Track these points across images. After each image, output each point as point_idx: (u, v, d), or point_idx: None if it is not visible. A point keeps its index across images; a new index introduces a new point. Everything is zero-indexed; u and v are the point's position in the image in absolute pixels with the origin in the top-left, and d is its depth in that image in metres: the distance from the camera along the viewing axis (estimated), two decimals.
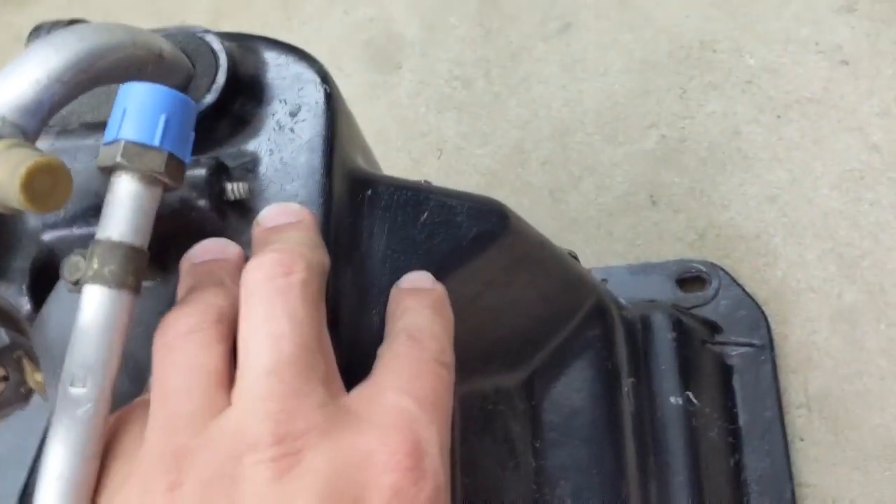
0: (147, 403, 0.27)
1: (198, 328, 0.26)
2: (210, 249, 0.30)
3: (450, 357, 0.29)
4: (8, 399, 0.21)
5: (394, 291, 0.32)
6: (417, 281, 0.32)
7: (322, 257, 0.29)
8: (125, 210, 0.26)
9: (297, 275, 0.27)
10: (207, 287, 0.28)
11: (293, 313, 0.26)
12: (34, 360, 0.22)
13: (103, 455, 0.26)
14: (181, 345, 0.26)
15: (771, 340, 0.49)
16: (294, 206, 0.30)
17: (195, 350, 0.26)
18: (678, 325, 0.48)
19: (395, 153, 0.59)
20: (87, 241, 0.28)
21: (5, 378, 0.21)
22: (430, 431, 0.26)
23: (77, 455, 0.24)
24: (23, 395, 0.22)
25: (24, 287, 0.31)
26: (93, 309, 0.25)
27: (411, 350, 0.28)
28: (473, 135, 0.60)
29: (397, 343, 0.28)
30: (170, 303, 0.32)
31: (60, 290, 0.28)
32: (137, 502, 0.24)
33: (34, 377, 0.22)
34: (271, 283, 0.27)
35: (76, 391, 0.25)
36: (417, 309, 0.30)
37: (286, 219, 0.30)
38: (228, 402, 0.25)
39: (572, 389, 0.43)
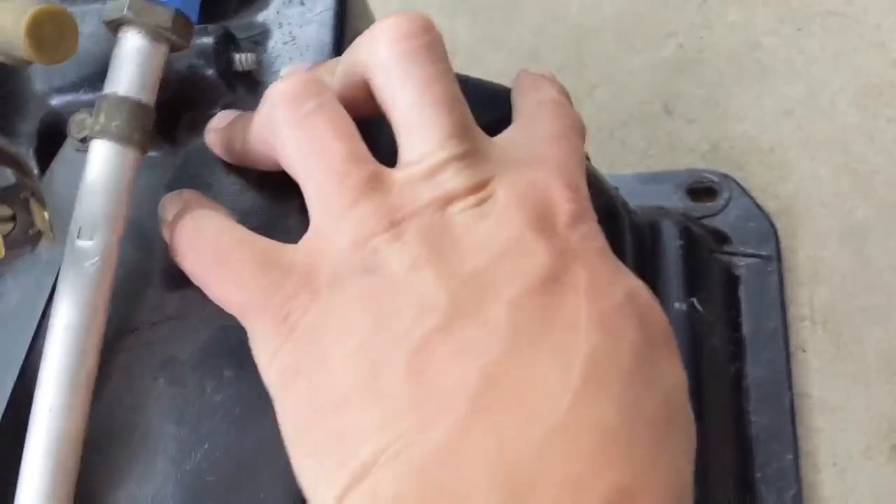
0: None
1: (324, 89, 0.27)
2: (227, 117, 0.30)
3: (585, 132, 0.30)
4: (16, 240, 0.21)
5: (522, 75, 0.32)
6: (543, 70, 0.33)
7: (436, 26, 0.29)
8: (132, 65, 0.25)
9: (431, 33, 0.27)
10: (304, 75, 0.28)
11: (448, 73, 0.27)
12: (41, 201, 0.22)
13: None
14: (319, 108, 0.26)
15: (779, 252, 0.49)
16: (306, 64, 0.31)
17: (338, 112, 0.26)
18: (686, 233, 0.48)
19: None
20: (93, 105, 0.27)
21: (13, 218, 0.21)
22: (583, 182, 0.28)
23: (84, 306, 0.24)
24: (31, 237, 0.22)
25: (31, 150, 0.31)
26: (99, 164, 0.25)
27: (557, 113, 0.29)
28: (487, 39, 0.59)
29: (543, 107, 0.30)
30: (177, 174, 0.32)
31: (67, 150, 0.28)
32: (361, 260, 0.25)
33: (42, 217, 0.22)
34: (416, 43, 0.26)
35: (83, 244, 0.25)
36: (552, 89, 0.31)
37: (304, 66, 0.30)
38: (387, 168, 0.26)
39: None
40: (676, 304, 0.46)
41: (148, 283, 0.30)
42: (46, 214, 0.22)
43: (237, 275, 0.26)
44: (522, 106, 0.31)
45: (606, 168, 0.54)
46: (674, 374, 0.26)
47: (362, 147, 0.26)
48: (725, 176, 0.52)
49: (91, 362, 0.24)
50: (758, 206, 0.51)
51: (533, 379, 0.23)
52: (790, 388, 0.47)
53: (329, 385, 0.24)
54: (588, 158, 0.47)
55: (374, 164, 0.26)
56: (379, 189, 0.26)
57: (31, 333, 0.26)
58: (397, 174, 0.26)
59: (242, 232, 0.27)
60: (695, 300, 0.46)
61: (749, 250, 0.49)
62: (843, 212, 0.51)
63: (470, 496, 0.22)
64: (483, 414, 0.22)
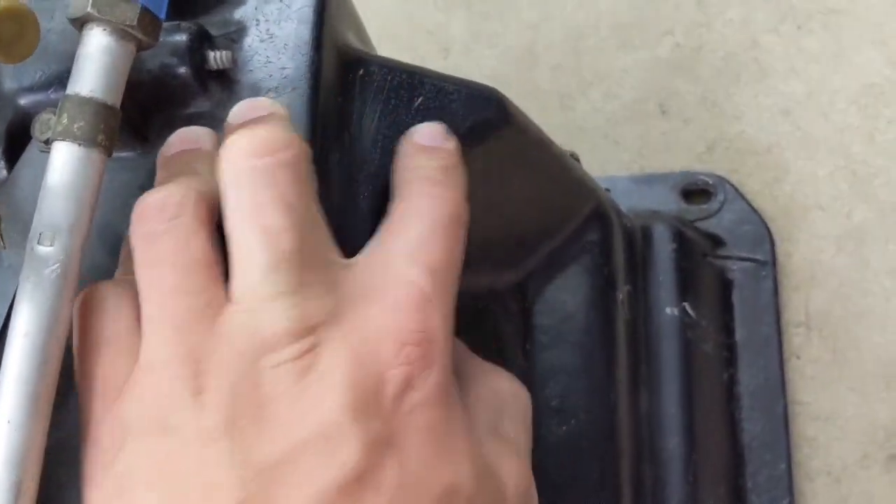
0: (115, 283, 0.26)
1: (181, 211, 0.25)
2: (184, 139, 0.29)
3: (466, 214, 0.28)
4: None
5: (405, 145, 0.30)
6: (431, 135, 0.30)
7: (303, 143, 0.27)
8: (96, 65, 0.25)
9: (282, 153, 0.25)
10: (184, 176, 0.27)
11: (284, 199, 0.25)
12: None
13: (92, 347, 0.25)
14: (166, 233, 0.25)
15: (774, 257, 0.48)
16: (265, 100, 0.28)
17: (184, 239, 0.25)
18: (679, 237, 0.47)
19: (400, 51, 0.57)
20: None
21: None
22: (439, 313, 0.25)
23: (43, 314, 0.24)
24: None
25: None
26: (61, 166, 0.24)
27: (425, 205, 0.27)
28: (482, 35, 0.58)
29: (410, 198, 0.27)
30: (151, 175, 0.31)
31: (32, 151, 0.27)
32: (158, 409, 0.24)
33: None
34: (254, 164, 0.25)
35: (43, 250, 0.24)
36: (431, 165, 0.28)
37: (258, 113, 0.28)
38: (226, 298, 0.25)
39: (566, 294, 0.42)
40: (668, 310, 0.45)
41: None
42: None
43: (81, 375, 0.25)
44: (393, 186, 0.29)
45: (599, 168, 0.53)
46: None
47: (201, 278, 0.25)
48: (720, 178, 0.51)
49: (52, 371, 0.24)
50: (753, 209, 0.50)
51: None
52: (784, 395, 0.46)
53: None
54: (578, 160, 0.46)
55: (206, 298, 0.24)
56: (197, 329, 0.24)
57: None
58: (224, 312, 0.24)
59: (108, 320, 0.26)
60: (687, 305, 0.45)
61: (743, 254, 0.48)
62: (841, 214, 0.50)
63: None
64: None
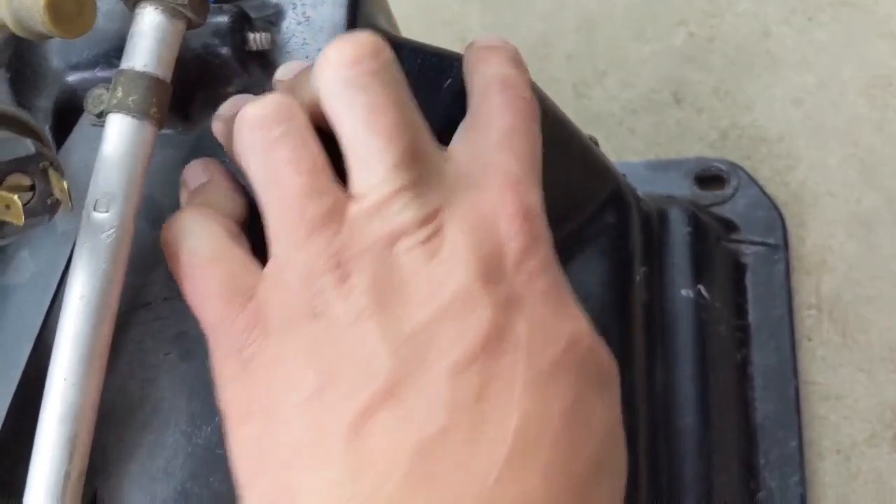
0: (198, 209, 0.28)
1: (293, 115, 0.27)
2: (237, 104, 0.30)
3: (538, 109, 0.30)
4: (35, 209, 0.22)
5: (471, 49, 0.31)
6: (491, 40, 0.32)
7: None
8: (149, 41, 0.26)
9: (384, 54, 0.27)
10: (277, 97, 0.28)
11: (396, 99, 0.27)
12: (59, 171, 0.22)
13: (198, 264, 0.27)
14: (284, 136, 0.27)
15: (786, 241, 0.49)
16: (305, 63, 0.30)
17: (300, 146, 0.27)
18: (694, 220, 0.48)
19: None
20: (110, 82, 0.28)
21: (32, 188, 0.22)
22: (534, 192, 0.28)
23: (100, 277, 0.25)
24: (49, 206, 0.22)
25: (47, 127, 0.31)
26: (116, 137, 0.25)
27: (505, 98, 0.29)
28: (498, 25, 0.59)
29: (490, 91, 0.29)
30: (192, 152, 0.32)
31: (83, 125, 0.28)
32: (307, 301, 0.25)
33: (60, 186, 0.22)
34: (364, 67, 0.26)
35: (99, 216, 0.25)
36: (501, 62, 0.30)
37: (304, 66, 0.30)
38: (348, 196, 0.26)
39: (585, 274, 0.43)
40: (683, 291, 0.46)
41: (161, 259, 0.30)
42: (65, 184, 0.23)
43: (202, 294, 0.27)
44: (472, 88, 0.31)
45: (615, 155, 0.54)
46: (609, 418, 0.27)
47: (323, 178, 0.26)
48: (734, 164, 0.52)
49: (106, 332, 0.25)
50: (765, 194, 0.51)
51: (465, 453, 0.24)
52: (795, 375, 0.47)
53: (277, 439, 0.25)
54: (597, 143, 0.47)
55: (331, 197, 0.26)
56: (331, 225, 0.26)
57: (47, 304, 0.26)
58: (351, 210, 0.26)
59: (222, 245, 0.28)
60: (701, 287, 0.46)
61: (756, 238, 0.49)
62: (851, 201, 0.51)
63: None
64: (416, 488, 0.23)
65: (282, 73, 0.30)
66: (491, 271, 0.26)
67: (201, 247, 0.27)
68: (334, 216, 0.26)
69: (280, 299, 0.26)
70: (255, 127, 0.27)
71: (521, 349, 0.25)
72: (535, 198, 0.28)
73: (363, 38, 0.27)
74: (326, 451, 0.24)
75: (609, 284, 0.43)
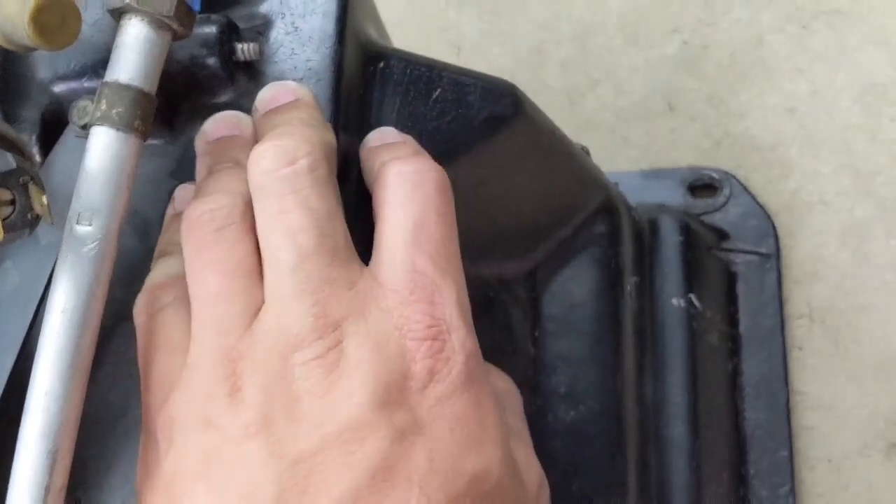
0: (174, 286, 0.27)
1: (229, 221, 0.27)
2: (224, 124, 0.30)
3: (448, 197, 0.28)
4: (15, 223, 0.22)
5: (365, 152, 0.30)
6: (385, 136, 0.30)
7: (326, 135, 0.28)
8: (134, 53, 0.26)
9: (302, 160, 0.27)
10: (227, 170, 0.28)
11: (305, 203, 0.26)
12: (40, 185, 0.22)
13: (151, 348, 0.27)
14: (214, 241, 0.26)
15: (778, 250, 0.49)
16: (291, 84, 0.30)
17: (230, 247, 0.26)
18: (686, 230, 0.48)
19: (411, 49, 0.59)
20: (96, 93, 0.28)
21: (12, 202, 0.22)
22: (451, 298, 0.26)
23: (82, 290, 0.25)
24: (29, 221, 0.22)
25: (33, 137, 0.31)
26: (100, 150, 0.25)
27: (406, 195, 0.27)
28: (493, 33, 0.59)
29: (390, 193, 0.28)
30: (178, 162, 0.32)
31: (68, 137, 0.28)
32: (201, 407, 0.25)
33: (40, 201, 0.22)
34: (278, 175, 0.26)
35: (82, 229, 0.25)
36: (399, 158, 0.28)
37: (284, 98, 0.29)
38: (263, 299, 0.26)
39: (575, 283, 0.43)
40: (674, 300, 0.46)
41: (144, 272, 0.30)
42: (45, 199, 0.23)
43: (143, 373, 0.27)
44: (372, 188, 0.29)
45: (608, 164, 0.54)
46: None
47: (242, 281, 0.26)
48: (726, 173, 0.52)
49: (88, 346, 0.25)
50: (758, 203, 0.51)
51: None
52: (786, 385, 0.47)
53: None
54: (588, 153, 0.47)
55: (245, 301, 0.26)
56: (235, 330, 0.25)
57: (30, 317, 0.26)
58: (260, 313, 0.26)
59: (166, 323, 0.27)
60: (693, 296, 0.47)
61: (748, 247, 0.49)
62: (844, 210, 0.51)
63: None
64: None
65: (260, 100, 0.30)
66: (391, 396, 0.24)
67: (160, 331, 0.27)
68: (242, 322, 0.25)
69: (183, 405, 0.25)
70: (192, 226, 0.27)
71: (415, 485, 0.23)
72: (451, 306, 0.26)
73: (287, 141, 0.26)
74: None
75: (599, 294, 0.43)
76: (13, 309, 0.26)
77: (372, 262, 0.27)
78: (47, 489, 0.23)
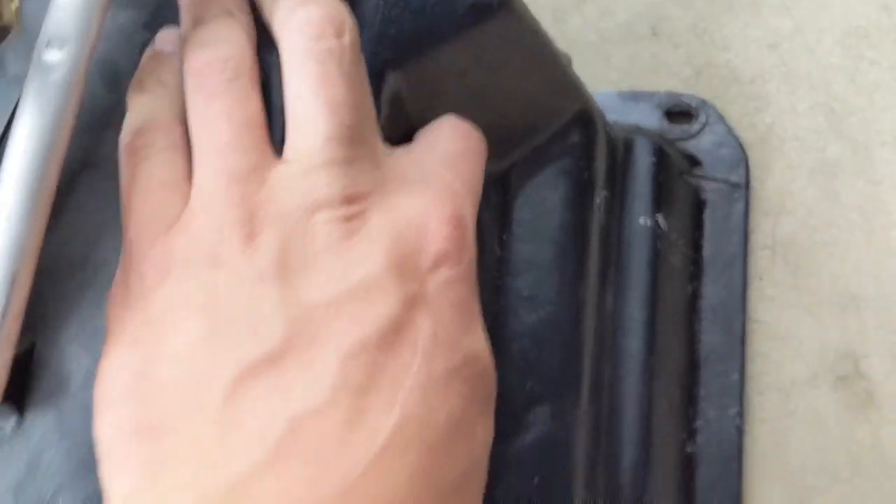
0: (165, 130, 0.27)
1: (239, 73, 0.27)
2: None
3: (485, 152, 0.31)
4: None
5: None
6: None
7: (356, 26, 0.29)
8: None
9: (347, 35, 0.27)
10: (222, 19, 0.28)
11: (348, 78, 0.27)
12: None
13: (142, 186, 0.27)
14: (226, 92, 0.26)
15: (748, 181, 0.50)
16: None
17: (242, 99, 0.26)
18: (659, 152, 0.48)
19: None
20: None
21: None
22: (469, 208, 0.28)
23: (47, 118, 0.24)
24: None
25: None
26: None
27: (456, 129, 0.30)
28: None
29: (443, 122, 0.30)
30: (153, 14, 0.32)
31: None
32: (210, 246, 0.25)
33: (9, 8, 0.21)
34: (327, 44, 0.27)
35: (51, 56, 0.24)
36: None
37: None
38: (276, 159, 0.26)
39: (546, 190, 0.43)
40: (641, 219, 0.47)
41: (113, 121, 0.30)
42: (15, 4, 0.22)
43: (132, 215, 0.27)
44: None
45: (588, 84, 0.54)
46: (486, 440, 0.27)
47: (254, 135, 0.26)
48: (704, 102, 0.52)
49: (52, 174, 0.24)
50: (732, 133, 0.51)
51: (337, 438, 0.23)
52: (743, 312, 0.48)
53: (157, 374, 0.24)
54: (570, 62, 0.47)
55: (259, 155, 0.26)
56: (252, 181, 0.26)
57: None
58: (277, 170, 0.26)
59: (161, 165, 0.27)
60: (660, 217, 0.47)
61: (719, 176, 0.50)
62: (816, 148, 0.51)
63: None
64: (280, 462, 0.23)
65: None
66: (405, 267, 0.25)
67: (143, 161, 0.27)
68: (257, 173, 0.26)
69: (187, 242, 0.25)
70: (201, 73, 0.27)
71: (418, 351, 0.24)
72: (469, 216, 0.28)
73: (332, 11, 0.27)
74: (202, 403, 0.24)
75: (569, 203, 0.43)
76: None
77: (402, 155, 0.29)
78: (5, 312, 0.23)
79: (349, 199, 0.26)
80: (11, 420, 0.28)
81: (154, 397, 0.24)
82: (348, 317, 0.24)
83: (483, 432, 0.26)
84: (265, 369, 0.23)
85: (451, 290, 0.26)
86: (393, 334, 0.24)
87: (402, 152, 0.29)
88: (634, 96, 0.52)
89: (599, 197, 0.45)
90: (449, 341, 0.25)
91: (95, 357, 0.28)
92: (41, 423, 0.28)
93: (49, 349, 0.28)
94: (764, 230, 0.50)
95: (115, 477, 0.24)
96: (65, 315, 0.28)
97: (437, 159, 0.29)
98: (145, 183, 0.27)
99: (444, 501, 0.24)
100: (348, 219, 0.25)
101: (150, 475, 0.23)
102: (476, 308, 0.27)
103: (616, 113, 0.51)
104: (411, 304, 0.25)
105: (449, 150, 0.29)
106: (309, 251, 0.25)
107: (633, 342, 0.45)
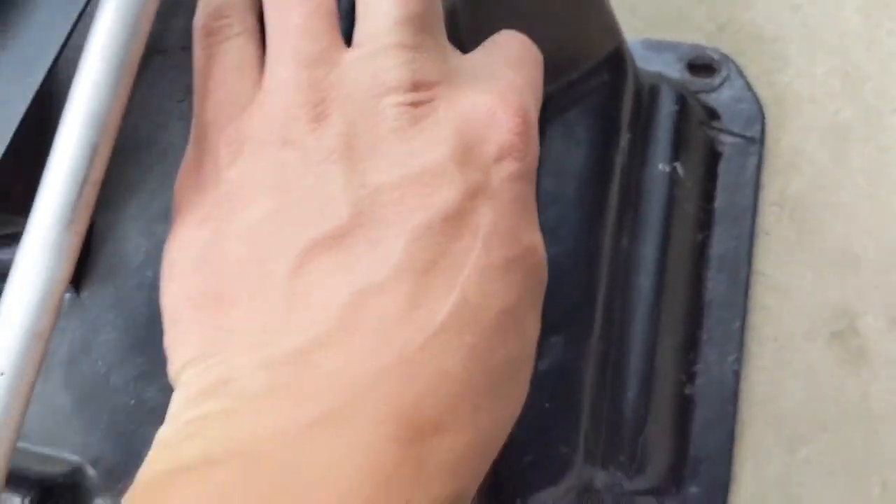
0: (239, 16, 0.28)
1: None
2: None
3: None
4: None
5: None
6: None
7: None
8: None
9: None
10: None
11: None
12: None
13: (218, 70, 0.27)
14: None
15: (763, 137, 0.51)
16: None
17: None
18: (682, 101, 0.49)
19: None
20: None
21: None
22: (533, 108, 0.28)
23: None
24: None
25: None
26: None
27: (521, 42, 0.30)
28: None
29: (508, 34, 0.30)
30: None
31: None
32: (280, 127, 0.25)
33: None
34: None
35: None
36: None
37: None
38: (345, 45, 0.27)
39: (576, 126, 0.44)
40: (660, 166, 0.48)
41: (181, 9, 0.30)
42: None
43: (207, 97, 0.27)
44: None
45: None
46: (535, 334, 0.27)
47: (325, 22, 0.27)
48: (726, 56, 0.53)
49: (138, 45, 0.24)
50: (751, 89, 0.52)
51: (398, 315, 0.24)
52: (749, 264, 0.49)
53: (224, 250, 0.25)
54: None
55: (329, 40, 0.26)
56: (322, 65, 0.26)
57: (79, 10, 0.26)
58: (347, 54, 0.26)
59: (235, 49, 0.27)
60: (678, 165, 0.48)
61: (736, 130, 0.51)
62: (830, 111, 0.53)
63: (300, 405, 0.23)
64: (341, 335, 0.23)
65: None
66: (471, 156, 0.26)
67: (229, 56, 0.28)
68: (328, 58, 0.26)
69: (259, 123, 0.26)
70: None
71: (479, 238, 0.25)
72: (534, 114, 0.28)
73: None
74: (269, 276, 0.24)
75: (596, 142, 0.44)
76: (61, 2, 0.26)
77: (468, 55, 0.29)
78: (84, 180, 0.23)
79: (417, 86, 0.26)
80: (67, 297, 0.28)
81: (222, 269, 0.25)
82: (413, 200, 0.24)
83: (532, 327, 0.27)
84: (331, 246, 0.24)
85: (513, 183, 0.26)
86: (456, 220, 0.25)
87: (466, 55, 0.29)
88: (658, 46, 0.53)
89: (624, 139, 0.46)
90: (508, 232, 0.26)
91: (154, 239, 0.28)
92: (97, 301, 0.28)
93: (109, 229, 0.28)
94: (774, 187, 0.51)
95: (180, 344, 0.25)
96: (127, 196, 0.28)
97: (501, 61, 0.29)
98: (219, 66, 0.27)
99: (496, 385, 0.25)
100: (416, 105, 0.25)
101: (215, 341, 0.24)
102: (534, 206, 0.28)
103: (640, 61, 0.52)
104: (474, 194, 0.25)
105: (512, 56, 0.29)
106: (376, 134, 0.25)
107: (644, 283, 0.46)
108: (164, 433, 0.24)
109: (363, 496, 0.22)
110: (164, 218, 0.28)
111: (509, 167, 0.26)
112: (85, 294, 0.28)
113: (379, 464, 0.22)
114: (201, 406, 0.23)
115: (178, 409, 0.24)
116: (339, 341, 0.23)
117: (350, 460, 0.22)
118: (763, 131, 0.51)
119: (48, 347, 0.23)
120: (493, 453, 0.26)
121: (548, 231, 0.43)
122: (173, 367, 0.25)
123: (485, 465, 0.26)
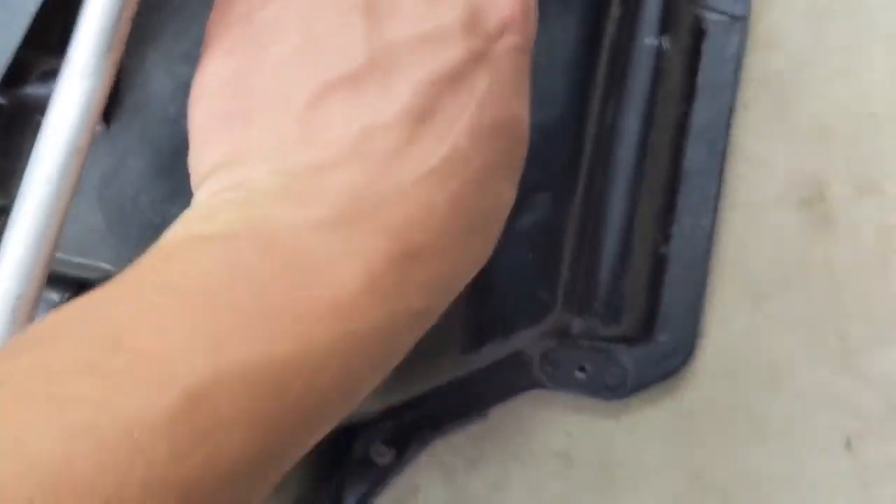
0: None
1: None
2: None
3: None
4: None
5: None
6: None
7: None
8: None
9: None
10: None
11: None
12: None
13: None
14: None
15: (748, 15, 0.53)
16: None
17: None
18: None
19: None
20: None
21: None
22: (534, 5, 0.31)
23: None
24: None
25: None
26: None
27: None
28: None
29: None
30: None
31: None
32: None
33: None
34: None
35: None
36: None
37: None
38: None
39: None
40: (647, 39, 0.50)
41: None
42: None
43: None
44: None
45: None
46: (507, 197, 0.31)
47: None
48: None
49: None
50: None
51: (399, 150, 0.27)
52: (727, 135, 0.52)
53: (250, 78, 0.28)
54: None
55: None
56: None
57: None
58: None
59: None
60: (664, 39, 0.50)
61: (722, 8, 0.53)
62: None
63: (309, 207, 0.26)
64: (349, 160, 0.27)
65: None
66: (476, 26, 0.29)
67: None
68: None
69: None
70: None
71: (474, 99, 0.28)
72: (533, 5, 0.31)
73: None
74: (289, 103, 0.28)
75: (588, 9, 0.47)
76: None
77: None
78: (120, 14, 0.26)
79: None
80: (98, 129, 0.32)
81: (247, 93, 0.28)
82: (421, 56, 0.28)
83: (507, 193, 0.31)
84: (347, 85, 0.28)
85: (510, 56, 0.30)
86: (457, 80, 0.28)
87: None
88: None
89: (615, 10, 0.48)
90: (501, 99, 0.29)
91: (178, 79, 0.31)
92: (126, 133, 0.32)
93: (135, 71, 0.32)
94: (755, 63, 0.54)
95: (204, 154, 0.28)
96: (150, 41, 0.32)
97: None
98: None
99: (469, 229, 0.29)
100: None
101: (235, 152, 0.28)
102: (527, 81, 0.31)
103: None
104: (475, 59, 0.29)
105: None
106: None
107: (627, 151, 0.49)
108: (185, 214, 0.28)
109: (353, 292, 0.26)
110: (186, 61, 0.31)
111: (507, 41, 0.30)
112: (114, 128, 0.32)
113: (370, 269, 0.26)
114: (221, 196, 0.27)
115: (200, 201, 0.28)
116: (346, 164, 0.27)
117: (348, 260, 0.26)
118: (749, 9, 0.53)
119: (85, 163, 0.27)
120: (459, 286, 0.30)
121: (538, 96, 0.46)
122: (197, 177, 0.28)
123: (452, 293, 0.30)
